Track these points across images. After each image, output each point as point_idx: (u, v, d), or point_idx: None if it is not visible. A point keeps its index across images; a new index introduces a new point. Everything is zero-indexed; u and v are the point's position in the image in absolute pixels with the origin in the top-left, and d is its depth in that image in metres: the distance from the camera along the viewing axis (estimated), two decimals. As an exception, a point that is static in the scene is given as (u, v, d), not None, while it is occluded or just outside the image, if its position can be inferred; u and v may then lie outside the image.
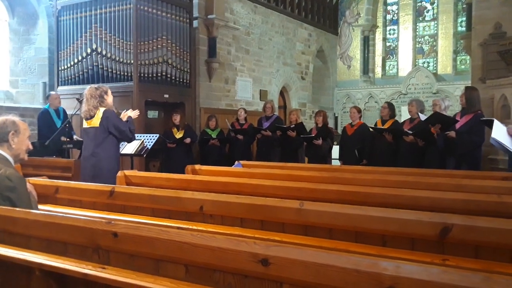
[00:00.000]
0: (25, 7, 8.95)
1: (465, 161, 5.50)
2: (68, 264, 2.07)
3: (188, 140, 7.86)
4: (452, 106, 7.08)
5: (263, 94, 11.27)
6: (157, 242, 1.99)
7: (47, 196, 3.80)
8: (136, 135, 6.41)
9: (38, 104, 8.90)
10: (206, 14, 9.31)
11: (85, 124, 5.03)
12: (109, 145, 4.95)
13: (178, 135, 7.92)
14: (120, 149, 5.83)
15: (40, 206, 3.20)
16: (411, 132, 6.25)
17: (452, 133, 5.57)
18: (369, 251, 2.34)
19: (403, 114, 11.94)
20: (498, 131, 4.76)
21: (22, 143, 2.81)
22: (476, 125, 5.47)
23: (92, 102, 4.90)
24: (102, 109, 4.90)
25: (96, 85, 5.12)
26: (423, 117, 6.25)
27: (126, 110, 5.27)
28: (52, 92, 7.76)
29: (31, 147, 2.91)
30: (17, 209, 2.52)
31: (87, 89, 5.03)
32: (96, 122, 4.89)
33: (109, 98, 5.01)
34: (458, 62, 13.60)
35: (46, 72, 9.00)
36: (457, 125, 5.64)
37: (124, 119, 5.09)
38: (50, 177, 4.16)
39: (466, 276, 1.37)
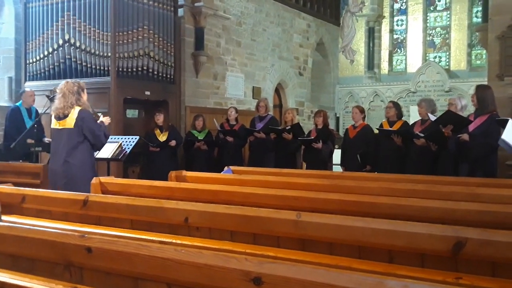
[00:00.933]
0: (-12, -8, 8.91)
1: (479, 167, 5.52)
2: (36, 283, 2.06)
3: (173, 143, 7.87)
4: (468, 106, 7.11)
5: (256, 92, 11.28)
6: (136, 258, 1.98)
7: (12, 205, 3.76)
8: (114, 137, 6.40)
9: (3, 101, 8.85)
10: (193, 2, 9.31)
11: (55, 125, 5.00)
12: (84, 149, 4.94)
13: (162, 137, 7.92)
14: (96, 153, 5.81)
15: (4, 217, 3.17)
16: (422, 134, 6.28)
17: (465, 136, 5.59)
18: (374, 268, 2.35)
19: (412, 115, 12.00)
20: (511, 132, 4.81)
21: (-16, 146, 2.80)
22: (491, 127, 5.50)
23: (69, 98, 4.88)
24: (77, 109, 4.89)
25: (72, 80, 5.11)
26: (434, 118, 6.28)
27: (103, 115, 5.29)
28: (27, 89, 7.67)
29: (-6, 150, 2.89)
30: (-22, 220, 2.50)
31: (62, 83, 5.03)
32: (70, 123, 4.88)
33: (85, 96, 5.03)
34: (473, 57, 13.71)
35: (12, 65, 8.94)
36: (470, 128, 5.67)
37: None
38: (16, 184, 4.13)
39: (482, 297, 1.38)
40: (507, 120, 4.96)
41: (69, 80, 5.14)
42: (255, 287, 1.70)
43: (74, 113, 4.88)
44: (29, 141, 6.90)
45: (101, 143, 5.09)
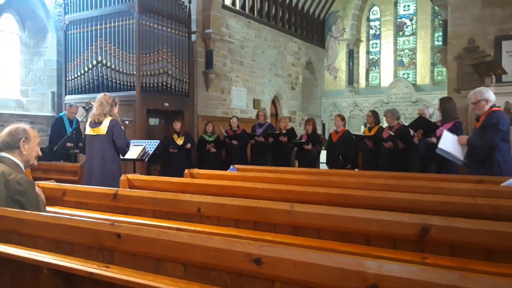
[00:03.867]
0: (35, 21, 8.91)
1: (444, 166, 5.47)
2: (75, 263, 2.05)
3: (189, 145, 7.91)
4: (435, 114, 7.09)
5: (256, 103, 11.28)
6: (158, 243, 1.97)
7: (55, 198, 3.76)
8: (138, 141, 6.41)
9: (47, 112, 8.85)
10: (204, 29, 9.32)
11: (90, 131, 4.99)
12: (113, 151, 4.94)
13: (179, 141, 7.93)
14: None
15: (48, 208, 3.16)
16: (393, 133, 6.26)
17: (433, 139, 5.53)
18: (354, 250, 2.33)
19: (385, 122, 12.00)
20: (446, 142, 4.77)
21: (32, 149, 2.79)
22: (457, 132, 5.44)
23: (105, 107, 4.89)
24: (109, 118, 4.88)
25: (109, 94, 5.10)
26: (405, 123, 6.24)
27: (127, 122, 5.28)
28: (73, 104, 7.64)
29: (40, 153, 2.89)
30: (27, 211, 2.49)
31: (101, 94, 5.03)
32: (103, 130, 4.87)
33: (117, 109, 5.02)
34: (435, 74, 13.69)
35: (54, 82, 8.95)
36: (437, 133, 5.60)
37: None
38: (58, 180, 4.12)
39: (444, 275, 1.37)
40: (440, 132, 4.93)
41: (106, 93, 5.14)
42: (256, 267, 1.70)
43: (106, 121, 4.87)
44: (69, 144, 6.90)
45: (123, 150, 5.06)
